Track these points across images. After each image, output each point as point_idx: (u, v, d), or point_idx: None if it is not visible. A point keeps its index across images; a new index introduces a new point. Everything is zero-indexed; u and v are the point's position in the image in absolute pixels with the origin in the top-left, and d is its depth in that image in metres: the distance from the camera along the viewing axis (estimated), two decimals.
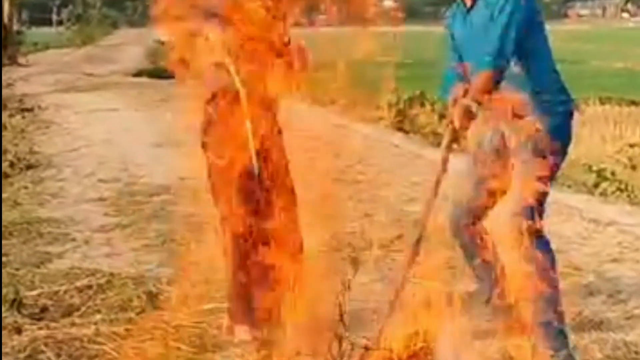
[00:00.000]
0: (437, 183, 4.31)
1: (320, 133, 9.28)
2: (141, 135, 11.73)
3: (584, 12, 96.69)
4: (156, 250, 6.29)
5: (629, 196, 8.16)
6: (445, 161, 4.29)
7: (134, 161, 9.81)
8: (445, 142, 4.37)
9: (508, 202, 4.28)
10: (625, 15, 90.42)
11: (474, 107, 4.19)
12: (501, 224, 4.26)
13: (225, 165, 4.47)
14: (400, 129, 12.47)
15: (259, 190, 4.58)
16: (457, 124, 4.23)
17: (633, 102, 19.00)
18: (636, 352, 4.34)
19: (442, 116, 12.49)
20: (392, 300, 4.25)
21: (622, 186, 8.49)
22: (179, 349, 4.48)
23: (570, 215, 6.96)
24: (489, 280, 4.50)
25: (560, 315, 4.15)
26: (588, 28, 64.28)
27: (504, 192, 4.37)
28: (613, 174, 8.90)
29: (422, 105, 13.68)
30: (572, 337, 4.36)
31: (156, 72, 20.32)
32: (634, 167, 9.28)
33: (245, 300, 4.66)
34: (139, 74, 23.28)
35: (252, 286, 4.64)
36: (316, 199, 5.79)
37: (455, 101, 4.31)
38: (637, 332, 4.61)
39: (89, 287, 5.51)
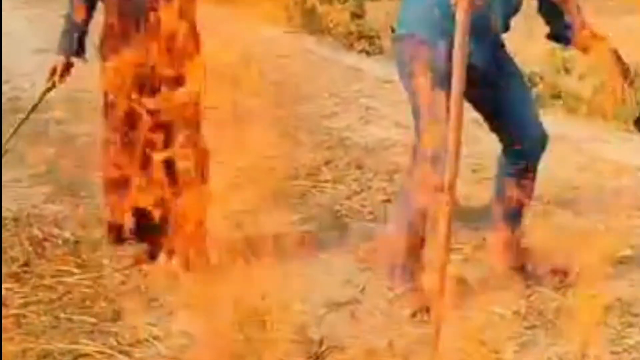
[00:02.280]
0: None
1: (226, 37, 8.36)
2: (24, 40, 10.59)
3: None
4: (42, 181, 5.36)
5: (565, 103, 7.51)
6: None
7: (16, 71, 8.72)
8: None
9: None
10: None
11: None
12: None
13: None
14: (309, 31, 11.57)
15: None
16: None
17: None
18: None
19: (354, 15, 11.63)
20: None
21: (556, 92, 7.83)
22: (70, 320, 3.62)
23: None
24: None
25: None
26: None
27: None
28: (542, 78, 8.21)
29: (331, 3, 12.74)
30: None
31: None
32: (567, 71, 8.57)
33: None
34: None
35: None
36: (227, 118, 4.98)
37: None
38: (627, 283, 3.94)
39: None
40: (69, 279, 3.99)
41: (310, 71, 8.66)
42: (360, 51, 10.18)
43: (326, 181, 5.24)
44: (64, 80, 4.18)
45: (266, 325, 3.49)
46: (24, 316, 3.67)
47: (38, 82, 8.01)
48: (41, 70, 8.53)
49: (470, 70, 2.98)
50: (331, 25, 11.65)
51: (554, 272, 3.89)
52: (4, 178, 5.41)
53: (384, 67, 8.95)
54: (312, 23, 11.83)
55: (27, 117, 4.47)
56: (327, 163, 5.55)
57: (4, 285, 3.92)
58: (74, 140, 6.03)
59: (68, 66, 4.15)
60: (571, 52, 9.30)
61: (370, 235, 4.32)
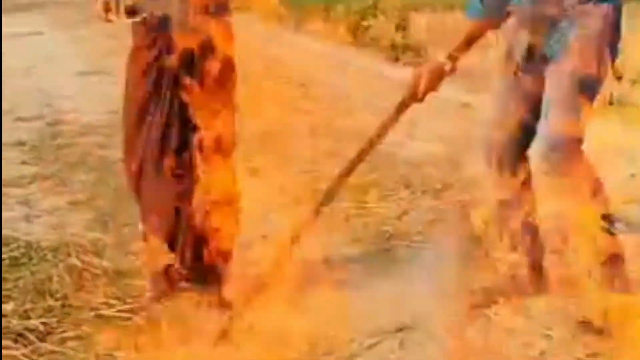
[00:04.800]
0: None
1: (265, 52, 8.23)
2: (67, 63, 10.54)
3: None
4: (82, 208, 5.25)
5: (617, 111, 7.28)
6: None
7: (58, 94, 8.65)
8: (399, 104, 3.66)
9: None
10: None
11: (448, 66, 3.59)
12: None
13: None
14: (353, 44, 11.43)
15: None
16: (422, 87, 3.59)
17: None
18: None
19: (399, 27, 11.48)
20: None
21: (609, 100, 7.61)
22: (110, 355, 3.48)
23: None
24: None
25: None
26: None
27: None
28: None
29: (375, 16, 12.58)
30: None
31: None
32: (618, 78, 8.32)
33: None
34: None
35: None
36: (265, 134, 4.85)
37: None
38: None
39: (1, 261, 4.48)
40: (108, 312, 3.85)
41: (355, 85, 8.51)
42: (406, 64, 10.01)
43: (372, 201, 5.07)
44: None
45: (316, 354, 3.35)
46: (62, 353, 3.54)
47: (81, 105, 7.99)
48: (84, 92, 8.55)
49: None
50: (375, 38, 11.52)
51: None
52: (44, 206, 5.32)
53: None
54: (356, 36, 11.70)
55: None
56: (372, 181, 5.37)
57: (41, 320, 3.80)
58: (115, 165, 5.92)
59: None
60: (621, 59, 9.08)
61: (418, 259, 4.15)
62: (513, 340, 3.49)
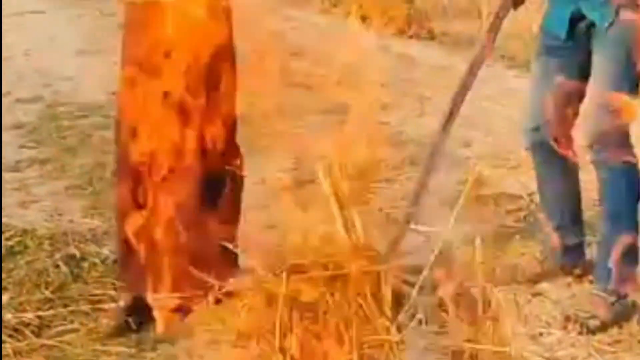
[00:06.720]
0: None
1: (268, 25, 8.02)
2: (66, 41, 10.33)
3: None
4: (81, 194, 5.10)
5: None
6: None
7: (59, 74, 8.44)
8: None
9: None
10: None
11: None
12: None
13: None
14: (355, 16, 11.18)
15: None
16: None
17: None
18: None
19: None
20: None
21: None
22: (107, 351, 3.34)
23: None
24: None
25: None
26: None
27: None
28: None
29: None
30: None
31: None
32: None
33: None
34: None
35: None
36: (270, 113, 4.69)
37: None
38: None
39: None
40: (107, 305, 3.72)
41: (358, 60, 8.29)
42: (411, 36, 9.77)
43: (378, 181, 4.88)
44: None
45: None
46: (59, 349, 3.40)
47: (81, 86, 7.79)
48: (83, 73, 8.33)
49: None
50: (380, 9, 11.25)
51: None
52: (41, 192, 5.18)
53: (438, 54, 8.57)
54: (358, 7, 11.44)
55: None
56: (378, 161, 5.18)
57: (36, 314, 3.66)
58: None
59: None
60: None
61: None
62: None
